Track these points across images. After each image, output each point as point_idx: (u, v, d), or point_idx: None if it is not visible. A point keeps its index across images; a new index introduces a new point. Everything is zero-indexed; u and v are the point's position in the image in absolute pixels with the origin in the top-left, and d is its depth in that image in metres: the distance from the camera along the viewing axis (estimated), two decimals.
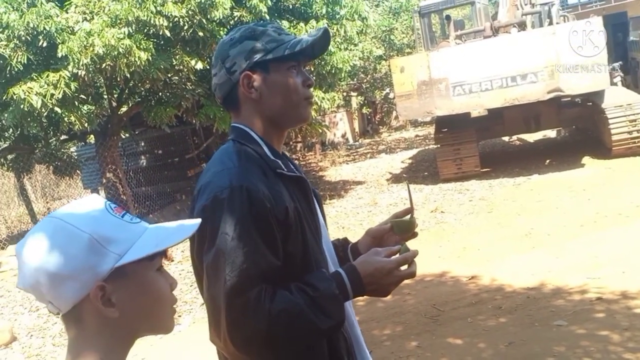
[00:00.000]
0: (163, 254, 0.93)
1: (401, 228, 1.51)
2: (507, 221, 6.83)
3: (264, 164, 1.32)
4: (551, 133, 12.87)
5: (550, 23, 9.79)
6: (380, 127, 22.65)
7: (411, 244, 1.46)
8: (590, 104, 9.81)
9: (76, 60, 6.44)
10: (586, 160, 9.38)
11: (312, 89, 1.43)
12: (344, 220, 8.25)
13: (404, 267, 1.32)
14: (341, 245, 1.59)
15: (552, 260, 5.18)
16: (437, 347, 3.89)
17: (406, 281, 4.43)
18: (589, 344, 3.45)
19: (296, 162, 1.57)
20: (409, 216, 1.53)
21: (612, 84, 10.17)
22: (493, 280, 4.97)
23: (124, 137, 11.18)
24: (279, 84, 1.35)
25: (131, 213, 0.95)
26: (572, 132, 12.46)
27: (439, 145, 10.11)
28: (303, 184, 1.39)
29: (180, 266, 7.31)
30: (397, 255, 1.33)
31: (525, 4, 10.52)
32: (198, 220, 0.96)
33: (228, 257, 1.19)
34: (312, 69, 8.42)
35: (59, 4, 6.89)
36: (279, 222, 1.25)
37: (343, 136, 19.36)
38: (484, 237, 6.38)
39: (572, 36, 8.54)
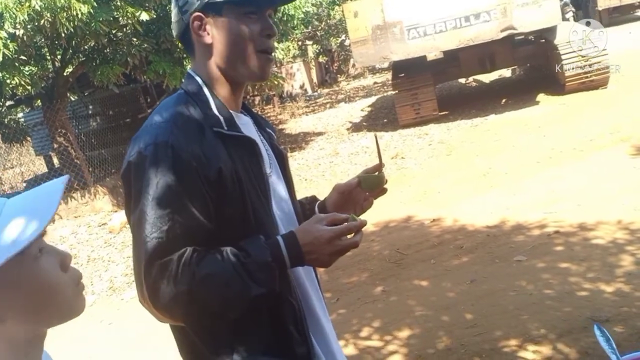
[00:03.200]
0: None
1: (370, 184, 1.45)
2: (466, 163, 6.91)
3: (203, 120, 1.21)
4: (506, 72, 12.97)
5: None
6: (339, 75, 22.45)
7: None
8: (543, 41, 9.86)
9: (13, 18, 6.05)
10: (541, 97, 9.49)
11: (272, 41, 1.28)
12: (306, 172, 8.20)
13: (349, 236, 1.23)
14: (308, 204, 1.52)
15: (510, 198, 5.27)
16: (403, 290, 3.94)
17: (369, 228, 4.43)
18: (549, 277, 3.54)
19: (261, 116, 1.47)
20: (377, 172, 1.46)
21: (564, 19, 10.22)
22: (454, 221, 5.04)
23: (72, 99, 10.74)
24: (230, 29, 1.22)
25: None
26: (526, 70, 12.57)
27: (396, 91, 10.07)
28: (249, 143, 1.27)
29: None
30: (340, 225, 1.22)
31: None
32: (59, 187, 0.81)
33: (149, 216, 1.12)
34: None
35: None
36: (210, 183, 1.16)
37: (301, 87, 19.13)
38: (444, 179, 6.44)
39: None
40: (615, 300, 3.06)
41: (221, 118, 1.23)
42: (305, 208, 1.49)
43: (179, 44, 7.39)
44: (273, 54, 1.32)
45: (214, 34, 1.23)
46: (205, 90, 1.26)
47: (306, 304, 1.32)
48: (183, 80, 1.33)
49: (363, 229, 1.25)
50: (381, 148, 1.52)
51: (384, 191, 1.47)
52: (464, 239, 4.58)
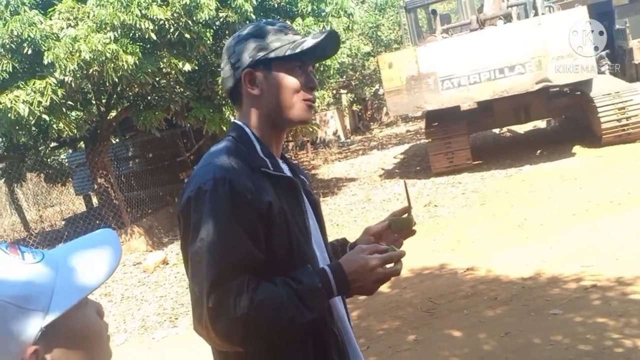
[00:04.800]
0: None
1: (399, 226, 1.53)
2: (500, 213, 6.85)
3: (252, 161, 1.33)
4: (541, 124, 12.93)
5: (536, 14, 9.82)
6: (371, 123, 22.68)
7: (410, 241, 1.46)
8: (579, 93, 9.85)
9: (63, 67, 6.40)
10: (577, 149, 9.42)
11: (314, 92, 1.43)
12: (338, 218, 8.25)
13: (389, 266, 1.32)
14: (340, 245, 1.60)
15: (546, 250, 5.20)
16: (435, 340, 3.89)
17: (403, 275, 4.43)
18: (585, 331, 3.46)
19: (295, 162, 1.58)
20: (406, 214, 1.55)
21: (600, 72, 10.21)
22: (488, 271, 4.98)
23: (114, 142, 11.13)
24: (278, 82, 1.36)
25: (24, 245, 0.83)
26: (561, 122, 12.52)
27: (430, 140, 10.13)
28: (291, 184, 1.39)
29: (175, 269, 7.29)
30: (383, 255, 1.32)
31: None
32: (112, 235, 0.89)
33: (210, 246, 1.21)
34: None
35: (42, 11, 6.84)
36: (261, 216, 1.26)
37: (334, 134, 19.37)
38: (477, 229, 6.39)
39: (558, 26, 8.58)
40: None
41: (267, 160, 1.36)
42: (338, 250, 1.58)
43: (219, 92, 7.65)
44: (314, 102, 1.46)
45: (263, 86, 1.37)
46: (252, 136, 1.38)
47: (346, 335, 1.41)
48: (229, 129, 1.46)
49: (402, 260, 1.34)
50: (413, 195, 1.61)
51: (412, 233, 1.56)
52: (498, 290, 4.52)
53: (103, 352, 0.85)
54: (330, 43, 1.41)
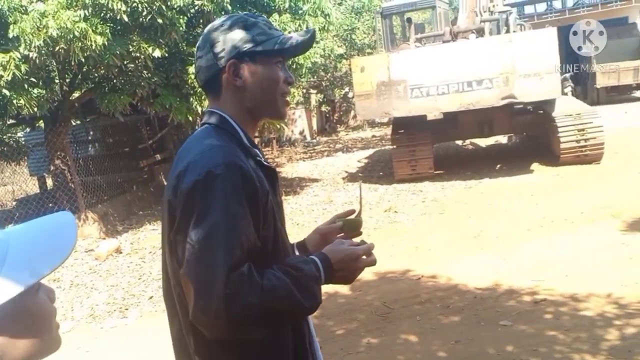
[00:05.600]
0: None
1: (351, 226, 1.60)
2: (458, 223, 6.97)
3: (244, 150, 1.34)
4: (503, 139, 13.21)
5: (508, 31, 10.03)
6: (338, 125, 22.75)
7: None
8: (542, 112, 10.11)
9: (28, 42, 6.19)
10: (535, 166, 9.66)
11: (290, 87, 1.46)
12: (299, 217, 8.23)
13: (365, 257, 1.41)
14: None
15: (500, 262, 5.31)
16: (389, 344, 3.92)
17: (361, 278, 4.45)
18: (535, 343, 3.55)
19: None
20: (354, 215, 1.63)
21: (563, 93, 10.52)
22: (442, 280, 5.05)
23: (74, 124, 10.83)
24: (264, 76, 1.38)
25: None
26: (522, 138, 12.82)
27: (395, 146, 10.23)
28: (275, 175, 1.43)
29: (128, 258, 7.14)
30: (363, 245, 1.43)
31: (484, 11, 10.75)
32: (70, 219, 0.85)
33: (224, 231, 1.19)
34: None
35: None
36: (262, 205, 1.28)
37: (301, 133, 19.35)
38: (435, 237, 6.48)
39: (528, 45, 8.79)
40: None
41: (256, 150, 1.39)
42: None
43: (188, 81, 7.51)
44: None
45: (247, 78, 1.37)
46: (235, 124, 1.38)
47: (310, 323, 1.48)
48: (205, 116, 1.44)
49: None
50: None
51: (359, 234, 1.63)
52: (452, 299, 4.59)
53: (52, 338, 0.82)
54: (310, 42, 1.44)
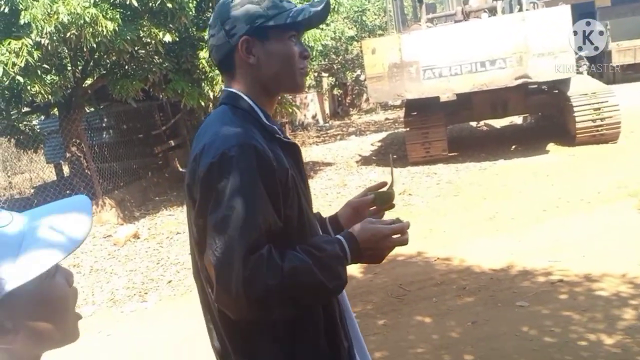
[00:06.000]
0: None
1: (383, 199, 1.57)
2: (473, 205, 6.94)
3: (262, 128, 1.32)
4: (518, 119, 13.09)
5: (520, 9, 9.88)
6: (351, 109, 22.66)
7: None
8: (557, 91, 9.99)
9: (39, 28, 6.22)
10: (551, 147, 9.57)
11: (307, 61, 1.42)
12: (313, 201, 8.19)
13: (396, 236, 1.37)
14: (319, 220, 1.60)
15: (516, 243, 5.29)
16: (404, 326, 3.94)
17: None
18: (551, 324, 3.54)
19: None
20: (386, 188, 1.58)
21: (578, 72, 10.36)
22: (458, 261, 5.05)
23: (88, 111, 10.90)
24: (278, 51, 1.34)
25: None
26: (538, 119, 12.69)
27: (408, 129, 10.17)
28: (297, 151, 1.40)
29: (146, 244, 7.22)
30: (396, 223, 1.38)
31: None
32: (85, 202, 0.86)
33: (240, 213, 1.18)
34: None
35: None
36: (281, 183, 1.26)
37: (313, 117, 19.31)
38: (450, 219, 6.47)
39: (541, 23, 8.66)
40: (616, 352, 3.07)
41: (275, 127, 1.36)
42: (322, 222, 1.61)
43: (199, 66, 7.50)
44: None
45: (261, 55, 1.33)
46: (252, 103, 1.35)
47: (345, 305, 1.46)
48: (221, 96, 1.42)
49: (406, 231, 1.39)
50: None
51: (392, 206, 1.59)
52: (468, 280, 4.59)
53: (69, 319, 0.83)
54: (324, 13, 1.38)
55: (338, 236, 1.34)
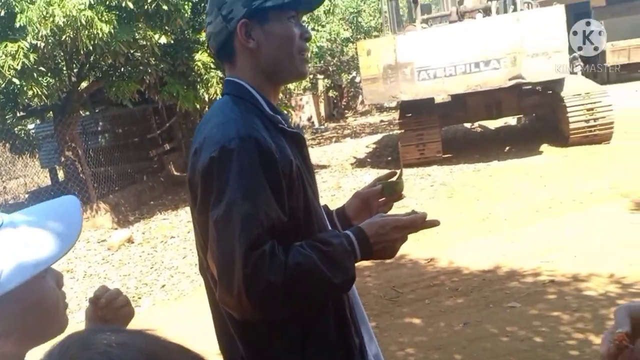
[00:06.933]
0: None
1: (392, 189, 1.53)
2: (466, 206, 6.96)
3: (265, 118, 1.27)
4: (512, 120, 13.13)
5: (515, 9, 9.92)
6: (346, 111, 22.71)
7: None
8: (550, 92, 10.02)
9: (35, 31, 6.24)
10: (544, 147, 9.60)
11: (308, 44, 1.37)
12: None
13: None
14: (327, 214, 1.55)
15: (508, 244, 5.31)
16: (396, 327, 3.96)
17: (367, 263, 4.48)
18: (540, 324, 3.57)
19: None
20: (395, 178, 1.55)
21: (573, 73, 10.40)
22: (451, 263, 5.08)
23: (83, 115, 10.90)
24: (278, 33, 1.28)
25: None
26: (532, 119, 12.72)
27: (402, 130, 10.19)
28: (301, 140, 1.35)
29: (140, 248, 7.22)
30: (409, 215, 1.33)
31: None
32: (76, 208, 0.86)
33: (241, 208, 1.13)
34: None
35: None
36: (285, 175, 1.21)
37: (309, 119, 19.34)
38: (443, 221, 6.38)
39: (535, 23, 8.69)
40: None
41: (278, 116, 1.30)
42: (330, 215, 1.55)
43: (195, 69, 7.49)
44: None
45: (261, 39, 1.28)
46: (254, 92, 1.30)
47: (355, 298, 1.40)
48: (224, 87, 1.37)
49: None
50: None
51: (401, 197, 1.56)
52: (459, 282, 4.61)
53: (57, 321, 0.84)
54: None
55: (346, 230, 1.29)
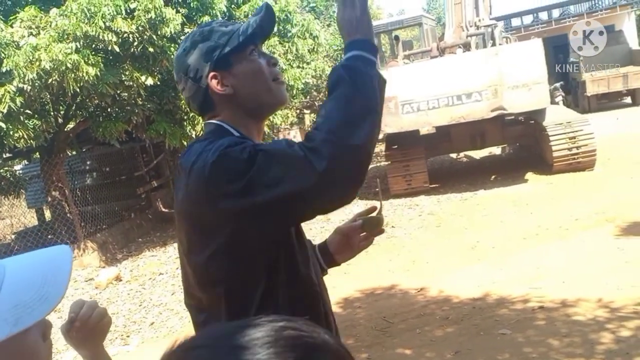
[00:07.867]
0: None
1: (372, 224, 1.57)
2: (455, 235, 7.01)
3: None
4: (496, 150, 13.30)
5: (494, 44, 10.18)
6: None
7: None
8: (533, 122, 10.21)
9: (22, 75, 6.28)
10: (529, 176, 9.73)
11: (278, 68, 1.42)
12: None
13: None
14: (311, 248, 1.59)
15: (497, 271, 5.34)
16: (388, 359, 3.94)
17: (357, 295, 4.47)
18: (531, 351, 3.58)
19: None
20: (375, 213, 1.58)
21: (554, 103, 10.62)
22: (441, 292, 5.08)
23: (70, 154, 10.91)
24: (247, 71, 1.33)
25: None
26: (516, 149, 12.91)
27: (389, 162, 10.29)
28: None
29: (128, 286, 7.15)
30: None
31: (470, 26, 10.91)
32: (67, 260, 0.84)
33: (282, 144, 1.22)
34: None
35: (3, 19, 6.72)
36: None
37: None
38: (432, 250, 6.52)
39: (514, 57, 8.92)
40: None
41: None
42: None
43: (181, 107, 7.57)
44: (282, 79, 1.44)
45: (233, 83, 1.33)
46: (233, 130, 1.33)
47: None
48: (204, 130, 1.39)
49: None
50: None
51: (382, 232, 1.59)
52: (450, 310, 4.62)
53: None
54: (270, 19, 1.38)
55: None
